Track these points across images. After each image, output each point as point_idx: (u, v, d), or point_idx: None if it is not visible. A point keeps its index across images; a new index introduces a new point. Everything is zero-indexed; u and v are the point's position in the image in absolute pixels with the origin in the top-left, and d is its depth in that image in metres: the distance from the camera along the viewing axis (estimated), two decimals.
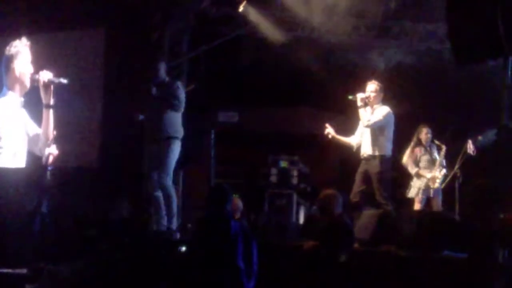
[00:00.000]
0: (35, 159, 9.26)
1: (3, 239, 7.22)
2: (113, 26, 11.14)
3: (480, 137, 10.48)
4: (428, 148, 10.81)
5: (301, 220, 11.78)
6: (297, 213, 11.87)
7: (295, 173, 12.71)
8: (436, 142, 10.78)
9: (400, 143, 10.18)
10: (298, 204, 11.92)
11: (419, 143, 10.87)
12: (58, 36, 11.33)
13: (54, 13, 11.01)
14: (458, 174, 10.48)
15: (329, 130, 9.88)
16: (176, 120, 8.74)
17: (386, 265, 7.76)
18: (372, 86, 9.69)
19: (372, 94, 9.64)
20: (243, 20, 11.84)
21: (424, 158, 10.79)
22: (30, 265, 7.20)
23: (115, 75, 10.70)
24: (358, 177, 9.72)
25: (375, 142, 9.57)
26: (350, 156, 11.57)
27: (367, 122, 9.54)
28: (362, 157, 9.72)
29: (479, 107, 11.15)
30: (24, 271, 7.01)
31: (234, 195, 11.03)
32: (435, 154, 10.80)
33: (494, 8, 6.48)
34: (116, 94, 10.16)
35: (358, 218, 9.30)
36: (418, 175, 10.67)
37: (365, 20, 11.90)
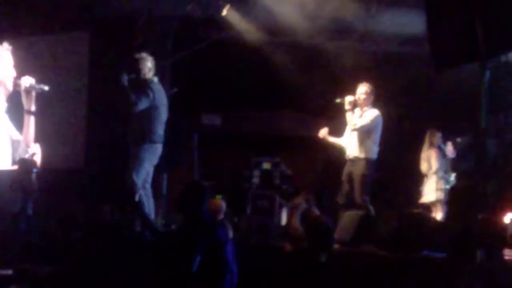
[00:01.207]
0: (21, 162, 9.31)
1: None
2: (97, 30, 11.18)
3: (458, 139, 10.61)
4: (440, 151, 10.86)
5: (283, 221, 11.83)
6: (280, 214, 11.92)
7: (277, 174, 12.77)
8: (448, 145, 10.84)
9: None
10: (281, 206, 11.96)
11: (431, 146, 10.91)
12: (42, 39, 11.37)
13: (37, 17, 11.04)
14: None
15: (323, 132, 9.92)
16: (150, 123, 8.67)
17: (367, 266, 7.83)
18: (362, 88, 9.74)
19: (362, 96, 9.70)
20: (226, 23, 11.90)
21: (445, 161, 10.83)
22: (15, 266, 7.26)
23: (99, 79, 10.75)
24: (344, 178, 9.81)
25: (361, 144, 9.65)
26: (331, 158, 11.70)
27: (354, 126, 9.62)
28: (347, 158, 9.80)
29: (456, 110, 11.27)
30: (10, 272, 7.07)
31: (217, 196, 11.13)
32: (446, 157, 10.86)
33: (472, 12, 6.57)
34: (100, 97, 10.21)
35: (339, 218, 9.40)
36: (443, 177, 10.70)
37: (346, 24, 11.97)
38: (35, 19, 10.97)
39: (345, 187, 9.75)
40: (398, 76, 12.33)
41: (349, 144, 9.80)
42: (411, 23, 10.95)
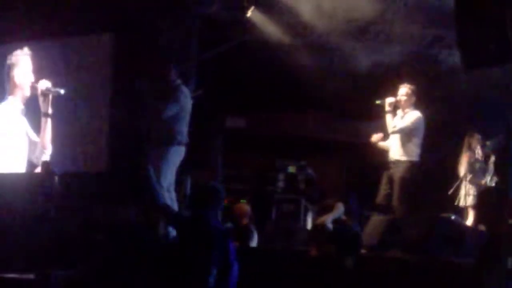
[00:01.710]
0: (43, 165, 9.29)
1: (10, 244, 7.25)
2: (120, 32, 11.14)
3: (488, 142, 10.47)
4: (479, 155, 10.71)
5: (309, 225, 11.77)
6: (305, 218, 11.86)
7: (302, 178, 12.73)
8: (486, 149, 10.70)
9: None
10: (306, 210, 11.91)
11: (470, 149, 10.77)
12: (65, 42, 11.35)
13: (59, 19, 11.03)
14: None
15: (377, 137, 9.80)
16: (178, 125, 8.63)
17: (394, 271, 7.74)
18: (403, 90, 9.66)
19: (403, 98, 9.61)
20: (251, 25, 11.84)
21: (477, 165, 10.69)
22: (37, 270, 7.22)
23: (122, 80, 10.70)
24: (384, 180, 9.72)
25: (402, 147, 9.55)
26: (356, 161, 11.60)
27: (393, 128, 9.52)
28: (389, 161, 9.70)
29: (485, 112, 11.13)
30: (32, 276, 7.04)
31: (241, 201, 11.07)
32: (485, 161, 10.72)
33: (502, 12, 6.48)
34: (124, 99, 10.14)
35: (367, 224, 9.30)
36: (472, 182, 10.56)
37: (373, 25, 11.88)
38: (59, 21, 10.95)
39: (385, 189, 9.64)
40: (422, 77, 12.19)
41: (391, 147, 9.69)
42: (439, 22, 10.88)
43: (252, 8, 11.53)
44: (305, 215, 11.87)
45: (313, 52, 12.09)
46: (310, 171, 12.85)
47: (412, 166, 9.52)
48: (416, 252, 8.05)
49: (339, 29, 11.48)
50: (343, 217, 8.26)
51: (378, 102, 9.69)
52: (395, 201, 9.50)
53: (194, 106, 8.89)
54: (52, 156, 7.82)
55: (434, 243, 8.04)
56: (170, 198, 8.61)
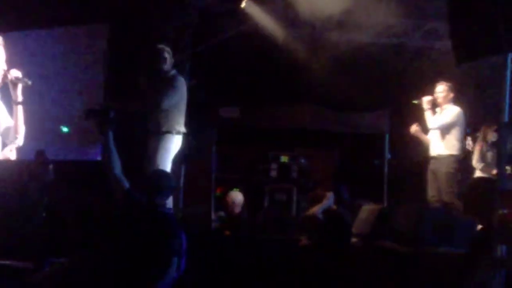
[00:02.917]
0: (38, 153, 9.33)
1: (4, 232, 7.30)
2: (114, 23, 11.16)
3: (478, 134, 10.53)
4: (492, 145, 10.77)
5: (301, 215, 11.82)
6: (297, 208, 11.91)
7: (295, 168, 12.79)
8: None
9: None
10: (298, 199, 11.96)
11: (484, 140, 10.83)
12: (58, 32, 11.38)
13: (53, 9, 11.04)
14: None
15: (415, 128, 9.89)
16: (173, 115, 8.64)
17: (385, 260, 7.80)
18: (440, 87, 9.77)
19: (441, 95, 9.72)
20: (245, 16, 11.87)
21: (489, 154, 10.75)
22: (33, 257, 7.27)
23: (117, 71, 10.73)
24: (429, 176, 9.82)
25: (443, 142, 9.66)
26: (348, 152, 11.65)
27: (433, 125, 9.63)
28: (431, 156, 9.80)
29: (477, 104, 11.20)
30: (28, 263, 7.09)
31: (235, 189, 11.11)
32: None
33: (494, 4, 6.51)
34: (118, 89, 10.16)
35: (358, 213, 9.36)
36: (484, 171, 10.62)
37: (367, 18, 11.92)
38: (53, 10, 10.96)
39: (432, 184, 9.73)
40: (416, 70, 12.27)
41: (432, 142, 9.80)
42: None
43: None
44: (298, 205, 11.92)
45: (308, 44, 12.13)
46: (303, 160, 12.91)
47: (455, 160, 9.62)
48: (407, 242, 8.10)
49: (335, 22, 11.51)
50: (333, 207, 8.31)
51: (415, 102, 9.82)
52: (444, 196, 9.60)
53: (188, 97, 8.91)
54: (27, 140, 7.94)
55: (424, 233, 8.10)
56: None
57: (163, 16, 11.37)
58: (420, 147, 10.13)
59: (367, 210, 9.35)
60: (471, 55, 7.02)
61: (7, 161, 7.59)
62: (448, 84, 9.78)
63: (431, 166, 9.82)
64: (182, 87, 8.66)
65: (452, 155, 9.64)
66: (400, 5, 11.78)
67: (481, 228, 7.00)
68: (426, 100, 9.74)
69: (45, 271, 7.34)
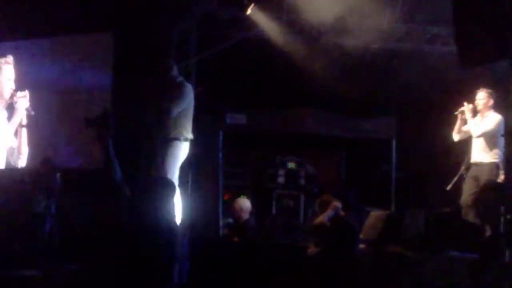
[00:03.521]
0: (43, 161, 9.34)
1: (12, 241, 7.30)
2: (120, 31, 11.19)
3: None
4: None
5: (309, 221, 11.81)
6: (305, 214, 11.90)
7: (302, 174, 12.76)
8: None
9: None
10: (306, 205, 11.95)
11: None
12: (63, 41, 11.43)
13: (61, 18, 11.07)
14: (465, 175, 10.49)
15: (466, 108, 9.84)
16: (181, 122, 8.60)
17: (393, 266, 7.78)
18: (481, 94, 9.73)
19: (482, 102, 9.67)
20: (250, 22, 11.88)
21: None
22: (40, 267, 7.26)
23: (122, 78, 10.75)
24: (469, 181, 9.77)
25: (485, 149, 9.62)
26: (355, 157, 11.62)
27: (476, 132, 9.60)
28: (472, 163, 9.76)
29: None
30: (35, 273, 7.08)
31: (242, 196, 11.12)
32: None
33: (499, 10, 6.51)
34: (124, 97, 10.17)
35: (366, 218, 9.35)
36: None
37: (371, 23, 11.92)
38: (59, 18, 10.99)
39: (471, 189, 9.69)
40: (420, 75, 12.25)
41: (474, 149, 9.76)
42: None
43: (252, 5, 11.56)
44: (305, 211, 11.91)
45: (314, 49, 12.12)
46: (310, 167, 12.90)
47: (497, 168, 9.59)
48: (415, 247, 8.09)
49: (340, 28, 11.52)
50: (341, 213, 8.30)
51: (457, 113, 9.79)
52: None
53: (194, 103, 8.89)
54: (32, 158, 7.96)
55: (433, 238, 8.09)
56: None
57: (168, 23, 11.39)
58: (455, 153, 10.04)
59: (374, 215, 9.34)
60: (476, 60, 7.03)
61: (14, 170, 7.60)
62: (489, 91, 9.73)
63: (472, 172, 9.73)
64: (189, 93, 8.62)
65: (494, 162, 9.59)
66: (405, 10, 11.79)
67: (491, 234, 7.00)
68: (467, 108, 9.68)
69: (54, 280, 7.35)
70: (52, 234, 8.31)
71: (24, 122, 7.33)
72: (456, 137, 9.96)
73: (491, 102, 9.69)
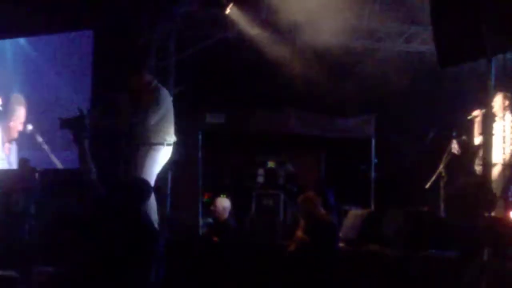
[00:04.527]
0: (21, 162, 9.32)
1: None
2: (101, 29, 11.16)
3: (464, 137, 10.56)
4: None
5: (289, 220, 11.82)
6: (285, 213, 11.89)
7: (282, 173, 12.77)
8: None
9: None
10: (285, 205, 11.95)
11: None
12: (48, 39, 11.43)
13: (40, 16, 11.03)
14: (443, 174, 10.54)
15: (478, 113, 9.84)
16: (161, 127, 8.48)
17: (373, 264, 7.81)
18: (498, 97, 9.73)
19: (497, 104, 9.68)
20: (230, 22, 11.88)
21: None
22: (19, 267, 7.24)
23: (102, 78, 10.72)
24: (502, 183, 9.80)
25: (503, 149, 9.65)
26: (336, 157, 11.64)
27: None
28: (499, 163, 9.77)
29: (464, 107, 11.24)
30: (13, 273, 7.06)
31: (222, 195, 11.11)
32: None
33: (477, 9, 6.54)
34: (104, 97, 10.12)
35: (345, 217, 9.38)
36: None
37: (351, 22, 11.95)
38: (38, 17, 10.96)
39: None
40: (400, 75, 12.29)
41: (497, 149, 9.78)
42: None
43: (231, 5, 11.56)
44: (285, 210, 11.90)
45: (293, 49, 12.15)
46: (289, 166, 12.91)
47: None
48: (394, 246, 8.13)
49: (319, 27, 11.53)
50: (322, 211, 8.30)
51: (470, 117, 9.79)
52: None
53: (173, 103, 8.84)
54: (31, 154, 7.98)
55: (412, 236, 8.12)
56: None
57: (148, 23, 11.37)
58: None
59: (354, 214, 9.38)
60: (455, 59, 7.04)
61: None
62: (506, 94, 9.76)
63: (502, 172, 9.76)
64: (166, 98, 8.47)
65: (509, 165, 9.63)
66: (386, 10, 11.84)
67: (468, 231, 7.02)
68: (481, 112, 9.68)
69: (33, 279, 7.33)
70: (31, 234, 8.29)
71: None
72: (477, 140, 9.92)
73: (507, 103, 9.72)
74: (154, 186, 8.70)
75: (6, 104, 11.12)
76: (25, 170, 9.23)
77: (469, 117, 9.82)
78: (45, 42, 11.54)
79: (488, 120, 7.35)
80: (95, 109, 10.21)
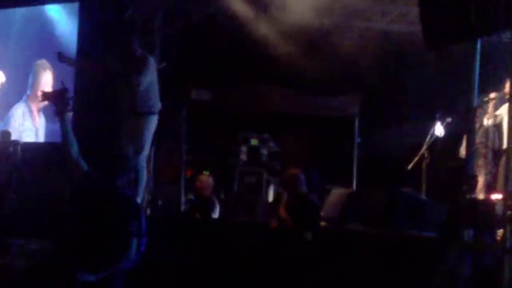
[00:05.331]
0: (3, 134, 9.26)
1: None
2: (86, 3, 11.10)
3: (448, 119, 10.58)
4: None
5: (271, 198, 11.84)
6: (267, 191, 11.91)
7: (265, 151, 12.76)
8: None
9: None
10: (268, 182, 11.96)
11: None
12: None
13: None
14: (426, 155, 10.57)
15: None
16: (150, 94, 8.52)
17: (354, 244, 7.84)
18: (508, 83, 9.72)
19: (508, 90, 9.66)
20: None
21: None
22: (0, 239, 7.23)
23: (87, 50, 10.66)
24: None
25: None
26: (319, 135, 11.63)
27: None
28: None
29: (448, 89, 11.26)
30: None
31: (205, 172, 11.11)
32: None
33: None
34: (88, 67, 10.04)
35: (327, 196, 9.39)
36: None
37: (338, 1, 11.91)
38: None
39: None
40: (387, 56, 12.29)
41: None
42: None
43: None
44: (267, 188, 11.92)
45: (280, 27, 12.09)
46: (272, 144, 12.90)
47: None
48: (376, 226, 8.15)
49: (306, 5, 11.49)
50: (304, 190, 8.31)
51: (485, 99, 9.74)
52: None
53: (159, 79, 8.83)
54: None
55: (394, 217, 8.15)
56: (142, 167, 8.53)
57: None
58: None
59: (336, 193, 9.39)
60: (441, 41, 7.05)
61: None
62: None
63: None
64: (153, 64, 8.58)
65: None
66: None
67: (451, 213, 7.06)
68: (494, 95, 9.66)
69: (13, 253, 7.32)
70: (12, 208, 8.27)
71: None
72: (486, 122, 9.90)
73: None
74: (147, 156, 8.77)
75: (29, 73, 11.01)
76: (6, 142, 9.18)
77: (484, 99, 9.79)
78: None
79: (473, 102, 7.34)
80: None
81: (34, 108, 10.85)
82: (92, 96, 9.99)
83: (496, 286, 6.32)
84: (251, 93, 13.25)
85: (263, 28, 12.02)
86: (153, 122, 8.49)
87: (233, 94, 13.17)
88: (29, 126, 10.80)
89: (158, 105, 8.54)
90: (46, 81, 8.94)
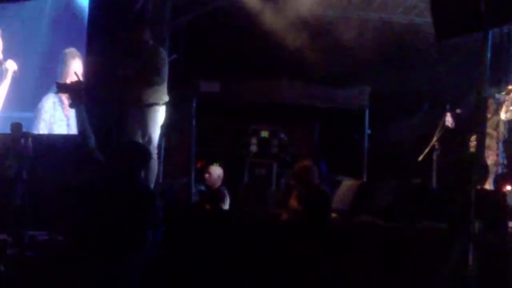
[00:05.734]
0: (13, 126, 9.28)
1: None
2: None
3: (458, 110, 10.56)
4: None
5: (281, 189, 11.83)
6: (277, 182, 11.91)
7: (275, 142, 12.77)
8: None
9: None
10: (278, 174, 11.96)
11: None
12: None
13: None
14: (436, 146, 10.55)
15: None
16: (159, 86, 8.53)
17: (364, 235, 7.82)
18: None
19: None
20: None
21: None
22: (11, 231, 7.25)
23: (98, 42, 10.66)
24: None
25: None
26: (329, 127, 11.61)
27: None
28: None
29: (458, 80, 11.23)
30: (5, 236, 7.08)
31: (215, 163, 11.11)
32: None
33: None
34: (98, 60, 10.05)
35: (338, 188, 9.37)
36: None
37: None
38: None
39: None
40: (397, 46, 12.28)
41: None
42: None
43: None
44: (277, 179, 11.92)
45: (289, 19, 12.08)
46: (282, 135, 12.90)
47: None
48: (386, 217, 8.13)
49: None
50: (316, 181, 8.29)
51: (503, 93, 9.74)
52: None
53: (168, 71, 8.83)
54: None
55: (404, 208, 8.13)
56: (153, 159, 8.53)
57: None
58: None
59: (346, 185, 9.37)
60: (452, 31, 7.02)
61: None
62: None
63: None
64: (166, 57, 8.60)
65: None
66: None
67: (462, 204, 7.04)
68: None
69: (23, 243, 7.34)
70: (23, 200, 8.28)
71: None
72: (503, 116, 9.90)
73: None
74: (156, 148, 8.79)
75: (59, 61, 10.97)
76: (17, 134, 9.20)
77: (502, 93, 9.79)
78: None
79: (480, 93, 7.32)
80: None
81: (65, 97, 10.80)
82: (99, 89, 10.00)
83: (505, 277, 6.32)
84: (261, 85, 13.26)
85: (272, 20, 12.01)
86: (160, 114, 8.49)
87: (242, 86, 13.17)
88: (60, 116, 10.74)
89: (166, 97, 8.54)
90: (76, 69, 8.90)
